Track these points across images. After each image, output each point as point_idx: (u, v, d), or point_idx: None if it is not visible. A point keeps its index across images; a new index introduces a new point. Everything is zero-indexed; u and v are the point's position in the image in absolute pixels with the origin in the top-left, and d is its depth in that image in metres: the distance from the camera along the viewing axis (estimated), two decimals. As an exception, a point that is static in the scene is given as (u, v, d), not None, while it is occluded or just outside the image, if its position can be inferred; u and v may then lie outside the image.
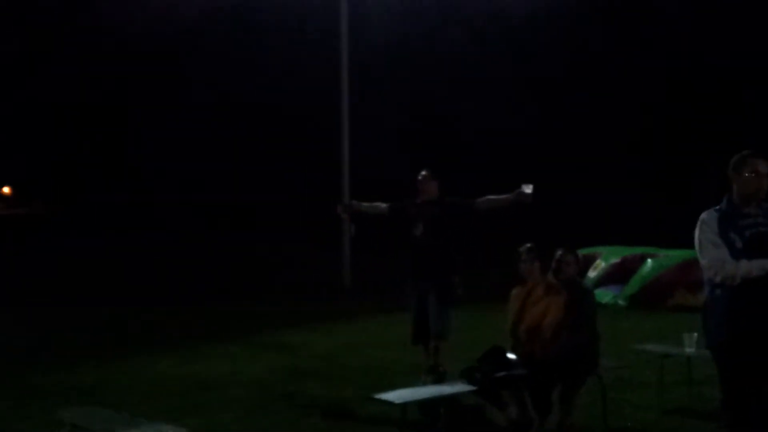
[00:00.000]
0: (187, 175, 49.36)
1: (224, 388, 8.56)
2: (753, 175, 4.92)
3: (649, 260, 14.76)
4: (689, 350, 7.51)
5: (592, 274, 15.06)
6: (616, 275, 14.99)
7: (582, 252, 12.15)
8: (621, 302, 14.23)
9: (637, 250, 15.62)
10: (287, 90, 41.48)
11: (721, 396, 4.98)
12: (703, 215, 4.98)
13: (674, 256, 14.71)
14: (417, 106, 39.81)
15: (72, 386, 8.59)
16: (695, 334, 7.39)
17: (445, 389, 6.67)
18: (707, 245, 4.89)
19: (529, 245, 6.90)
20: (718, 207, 5.02)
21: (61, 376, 9.13)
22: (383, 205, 8.69)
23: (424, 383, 7.67)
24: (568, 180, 34.84)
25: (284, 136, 44.33)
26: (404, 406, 6.28)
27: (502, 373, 6.52)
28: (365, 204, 8.88)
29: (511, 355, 6.70)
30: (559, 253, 6.84)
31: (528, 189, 8.00)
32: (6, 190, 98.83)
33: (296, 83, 40.33)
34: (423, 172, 8.48)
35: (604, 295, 14.23)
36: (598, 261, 15.41)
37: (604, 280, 14.90)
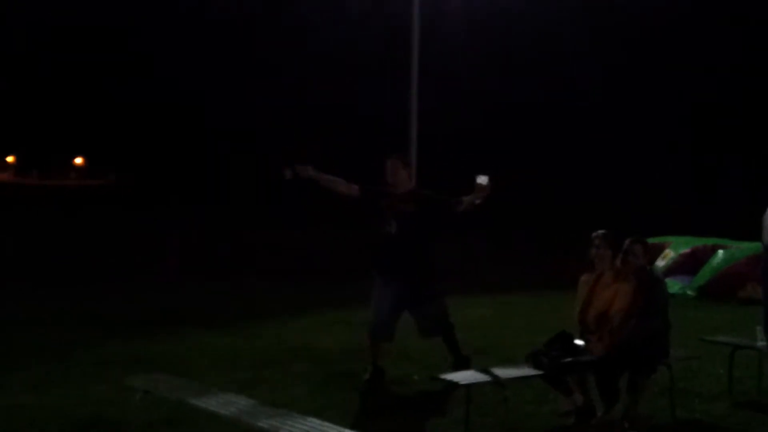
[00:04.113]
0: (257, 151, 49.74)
1: (292, 362, 8.68)
2: None
3: (720, 251, 14.53)
4: (761, 343, 7.41)
5: (660, 263, 14.87)
6: (686, 265, 14.79)
7: (651, 241, 12.02)
8: (690, 293, 14.05)
9: (708, 241, 15.39)
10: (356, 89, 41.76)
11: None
12: None
13: (746, 248, 14.44)
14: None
15: (143, 356, 8.76)
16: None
17: (511, 372, 6.68)
18: None
19: (602, 231, 6.86)
20: None
21: (131, 345, 9.33)
22: (351, 185, 7.88)
23: (370, 375, 7.73)
24: (642, 169, 34.47)
25: (354, 134, 44.22)
26: (469, 386, 6.32)
27: (568, 359, 6.52)
28: (326, 175, 7.90)
29: (578, 342, 6.69)
30: (627, 242, 6.79)
31: (482, 180, 7.69)
32: (79, 161, 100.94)
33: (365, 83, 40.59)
34: (392, 158, 7.90)
35: (673, 285, 14.03)
36: (667, 250, 15.22)
37: (673, 269, 14.70)
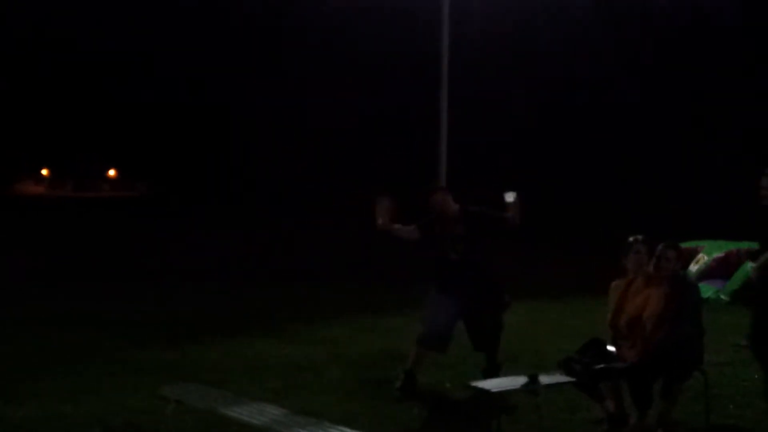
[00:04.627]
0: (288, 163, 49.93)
1: (324, 370, 8.70)
2: None
3: (755, 255, 14.37)
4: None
5: (693, 267, 14.74)
6: (719, 270, 14.63)
7: (684, 245, 11.92)
8: (723, 297, 13.90)
9: (742, 245, 15.22)
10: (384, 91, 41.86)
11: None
12: None
13: (781, 251, 14.29)
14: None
15: (173, 364, 8.84)
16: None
17: (544, 379, 6.65)
18: None
19: (641, 236, 6.80)
20: None
21: (162, 353, 9.40)
22: (410, 229, 8.10)
23: (402, 383, 7.75)
24: (674, 173, 34.21)
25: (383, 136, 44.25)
26: (500, 395, 6.30)
27: (601, 366, 6.48)
28: (396, 226, 8.08)
29: (610, 348, 6.65)
30: (660, 247, 6.73)
31: (509, 197, 7.83)
32: (112, 172, 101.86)
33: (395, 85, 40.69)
34: (438, 191, 8.22)
35: (706, 290, 13.90)
36: (700, 255, 15.08)
37: (707, 274, 14.56)
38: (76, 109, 72.85)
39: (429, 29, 18.04)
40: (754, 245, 15.72)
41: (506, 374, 7.08)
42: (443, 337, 7.91)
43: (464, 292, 7.89)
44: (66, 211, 45.80)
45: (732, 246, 15.24)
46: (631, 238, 6.76)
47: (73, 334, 10.32)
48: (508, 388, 6.38)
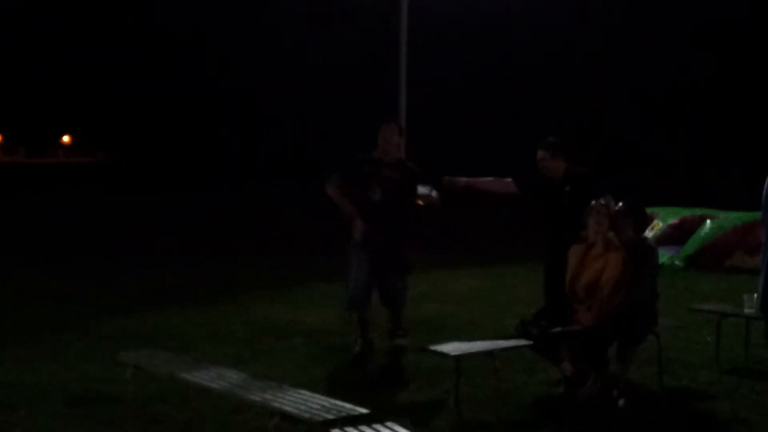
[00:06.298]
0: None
1: (284, 336, 8.74)
2: None
3: (708, 221, 14.61)
4: (748, 311, 7.49)
5: (649, 233, 14.94)
6: (674, 236, 14.86)
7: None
8: (678, 263, 14.13)
9: (696, 211, 15.47)
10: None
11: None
12: None
13: (733, 217, 14.55)
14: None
15: (134, 332, 8.81)
16: (755, 295, 7.38)
17: (501, 343, 6.74)
18: None
19: (602, 200, 6.80)
20: None
21: (123, 322, 9.36)
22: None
23: (360, 348, 7.88)
24: (627, 138, 34.44)
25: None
26: (458, 358, 6.38)
27: (557, 329, 6.58)
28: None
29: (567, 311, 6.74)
30: (619, 212, 6.78)
31: (422, 190, 7.85)
32: (66, 138, 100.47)
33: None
34: (389, 123, 7.97)
35: (662, 256, 14.01)
36: (655, 221, 15.29)
37: (662, 240, 14.76)
38: (30, 74, 71.64)
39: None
40: (708, 211, 16.00)
41: (466, 339, 7.15)
42: (363, 297, 7.92)
43: (377, 237, 7.78)
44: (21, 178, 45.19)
45: (686, 212, 15.49)
46: (593, 202, 6.79)
47: (31, 306, 10.20)
48: (466, 351, 6.46)
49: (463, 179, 7.68)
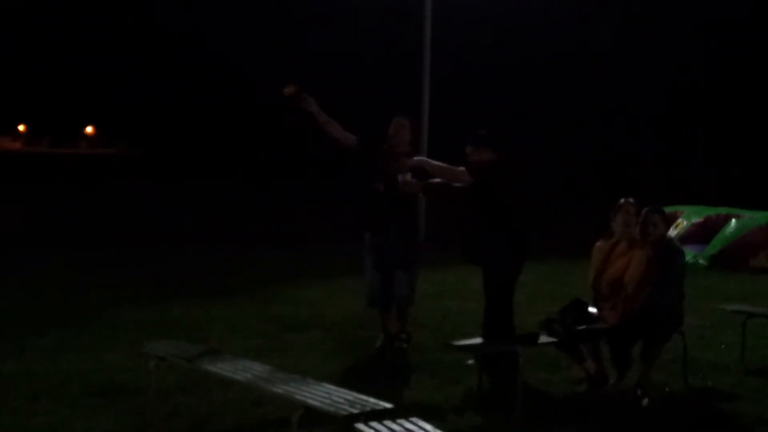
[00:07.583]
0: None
1: (305, 330, 8.72)
2: None
3: (733, 220, 14.51)
4: (774, 312, 7.41)
5: (672, 232, 14.84)
6: (698, 234, 14.77)
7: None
8: (702, 262, 14.02)
9: (721, 210, 15.36)
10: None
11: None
12: None
13: (758, 217, 14.45)
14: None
15: (155, 323, 8.82)
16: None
17: (524, 339, 6.69)
18: None
19: (631, 199, 6.79)
20: None
21: (144, 313, 9.37)
22: (348, 134, 7.63)
23: (382, 343, 7.71)
24: (651, 139, 34.34)
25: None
26: (481, 355, 6.34)
27: (582, 327, 6.53)
28: (326, 115, 7.57)
29: (592, 309, 6.70)
30: (645, 211, 6.72)
31: (401, 179, 7.50)
32: (89, 129, 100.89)
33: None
34: (400, 117, 7.72)
35: (686, 255, 14.01)
36: (679, 220, 15.20)
37: (686, 239, 14.66)
38: (55, 65, 72.06)
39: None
40: (733, 210, 15.91)
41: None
42: (376, 297, 7.79)
43: (383, 229, 7.64)
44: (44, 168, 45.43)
45: (711, 211, 15.38)
46: (621, 200, 6.77)
47: (54, 296, 10.25)
48: (491, 348, 6.41)
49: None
